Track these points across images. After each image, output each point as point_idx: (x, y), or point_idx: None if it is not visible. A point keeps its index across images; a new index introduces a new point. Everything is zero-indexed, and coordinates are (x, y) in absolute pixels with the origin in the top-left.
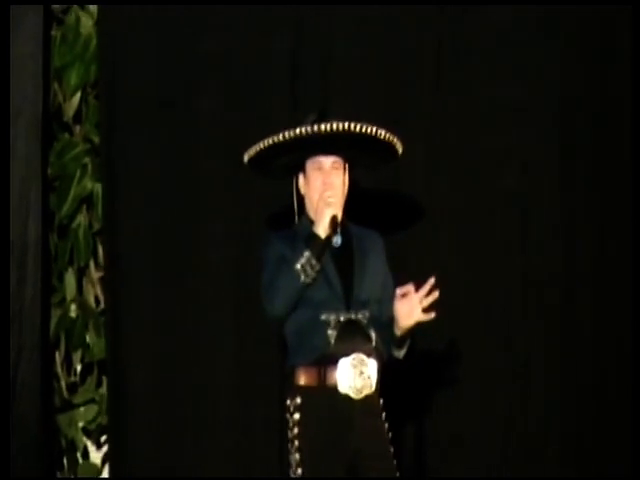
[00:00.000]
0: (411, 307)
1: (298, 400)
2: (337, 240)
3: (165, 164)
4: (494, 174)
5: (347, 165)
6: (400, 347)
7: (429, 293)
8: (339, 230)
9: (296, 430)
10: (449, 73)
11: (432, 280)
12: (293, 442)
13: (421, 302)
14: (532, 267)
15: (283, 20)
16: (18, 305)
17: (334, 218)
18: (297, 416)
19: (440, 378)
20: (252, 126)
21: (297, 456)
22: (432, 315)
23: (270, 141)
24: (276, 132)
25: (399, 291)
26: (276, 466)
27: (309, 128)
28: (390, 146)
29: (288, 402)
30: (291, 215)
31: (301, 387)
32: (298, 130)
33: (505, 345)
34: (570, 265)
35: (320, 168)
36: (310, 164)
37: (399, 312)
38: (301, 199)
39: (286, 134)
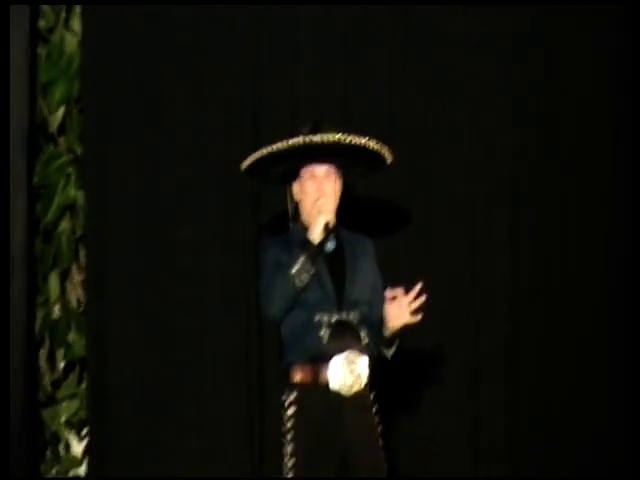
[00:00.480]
0: (400, 309)
1: (293, 396)
2: (330, 246)
3: (145, 173)
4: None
5: (340, 173)
6: (389, 347)
7: (417, 297)
8: (332, 236)
9: (289, 424)
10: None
11: (420, 285)
12: (286, 435)
13: (409, 305)
14: (500, 269)
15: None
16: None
17: (327, 224)
18: (291, 411)
19: (416, 377)
20: (236, 136)
21: (289, 448)
22: (419, 317)
23: (266, 150)
24: (270, 142)
25: (389, 294)
26: (249, 463)
27: (303, 139)
28: (379, 155)
29: (284, 398)
30: (286, 221)
31: (296, 384)
32: (292, 141)
33: (473, 345)
34: (539, 268)
35: (314, 176)
36: (304, 172)
37: (388, 314)
38: (295, 205)
39: (281, 144)
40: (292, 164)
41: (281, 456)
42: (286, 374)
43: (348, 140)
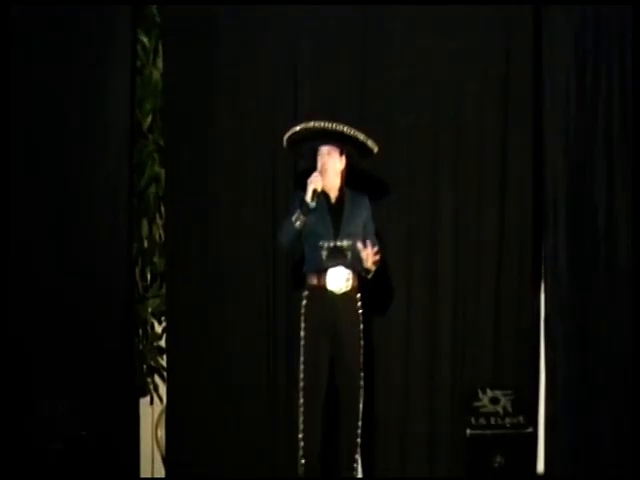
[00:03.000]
0: (366, 257)
1: (306, 292)
2: (312, 205)
3: (205, 157)
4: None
5: (343, 155)
6: (367, 273)
7: (377, 253)
8: (315, 198)
9: (303, 310)
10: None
11: (374, 247)
12: (301, 317)
13: (367, 258)
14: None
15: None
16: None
17: (314, 190)
18: (305, 301)
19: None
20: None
21: (302, 325)
22: (374, 267)
23: (290, 131)
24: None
25: (360, 245)
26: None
27: (307, 125)
28: (366, 144)
29: (302, 294)
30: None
31: (309, 285)
32: (302, 125)
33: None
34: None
35: (320, 154)
36: (318, 150)
37: (362, 257)
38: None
39: (298, 127)
40: (312, 144)
41: (298, 336)
42: (303, 279)
43: (340, 129)
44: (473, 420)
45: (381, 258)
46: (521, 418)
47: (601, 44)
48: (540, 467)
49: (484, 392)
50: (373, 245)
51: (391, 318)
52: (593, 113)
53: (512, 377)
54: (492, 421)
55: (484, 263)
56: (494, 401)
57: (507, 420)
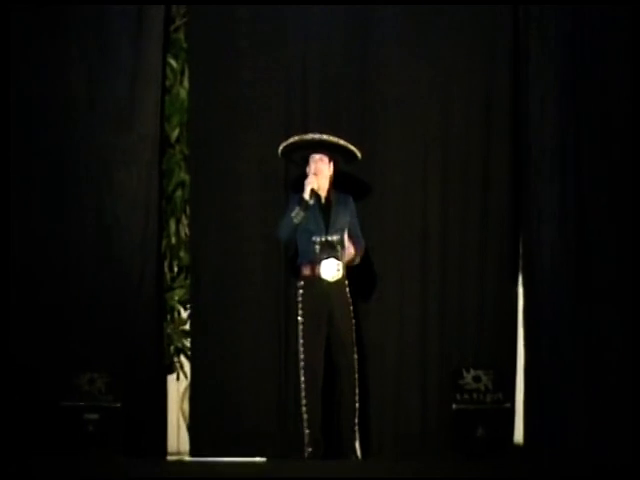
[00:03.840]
0: (348, 251)
1: (302, 282)
2: (311, 202)
3: (226, 165)
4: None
5: (332, 161)
6: (354, 261)
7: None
8: (313, 196)
9: (300, 298)
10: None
11: (351, 249)
12: (298, 305)
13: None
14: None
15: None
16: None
17: (312, 189)
18: (301, 291)
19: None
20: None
21: (300, 312)
22: (354, 260)
23: (285, 142)
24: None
25: (346, 238)
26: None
27: (302, 136)
28: (351, 152)
29: (297, 284)
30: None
31: (303, 275)
32: (297, 137)
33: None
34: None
35: (313, 160)
36: (310, 157)
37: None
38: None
39: (293, 139)
40: (305, 152)
41: (296, 320)
42: (298, 270)
43: (326, 138)
44: (458, 396)
45: (364, 249)
46: (500, 395)
47: (584, 61)
48: (517, 438)
49: (468, 371)
50: (354, 239)
51: (387, 306)
52: (569, 121)
53: (492, 358)
54: (475, 397)
55: (469, 258)
56: (476, 379)
57: (488, 396)
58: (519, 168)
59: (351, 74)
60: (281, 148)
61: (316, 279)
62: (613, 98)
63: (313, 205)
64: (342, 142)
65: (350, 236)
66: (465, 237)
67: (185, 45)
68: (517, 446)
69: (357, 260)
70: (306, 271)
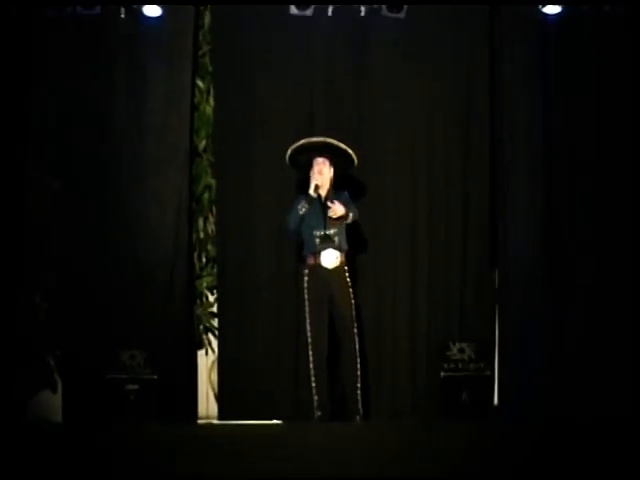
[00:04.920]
0: (334, 212)
1: (306, 271)
2: (314, 195)
3: (247, 171)
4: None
5: (333, 164)
6: (346, 219)
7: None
8: (317, 192)
9: (305, 284)
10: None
11: (342, 208)
12: (304, 290)
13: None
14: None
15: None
16: (177, 233)
17: (316, 186)
18: (306, 278)
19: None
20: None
21: (305, 297)
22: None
23: (292, 147)
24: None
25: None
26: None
27: (308, 140)
28: (350, 156)
29: (303, 272)
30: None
31: (308, 264)
32: (302, 141)
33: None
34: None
35: (317, 163)
36: (314, 161)
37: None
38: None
39: (298, 143)
40: (309, 155)
41: (302, 302)
42: (303, 260)
43: (328, 141)
44: (445, 365)
45: (346, 215)
46: (482, 364)
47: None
48: (495, 401)
49: (453, 344)
50: (347, 205)
51: (382, 286)
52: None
53: (475, 333)
54: (459, 366)
55: (453, 248)
56: (461, 351)
57: (471, 365)
58: (496, 169)
59: (351, 95)
60: (290, 151)
61: (318, 267)
62: (581, 105)
63: (315, 204)
64: (343, 145)
65: (344, 204)
66: (449, 230)
67: (210, 68)
68: (495, 407)
69: (349, 218)
70: (310, 260)
